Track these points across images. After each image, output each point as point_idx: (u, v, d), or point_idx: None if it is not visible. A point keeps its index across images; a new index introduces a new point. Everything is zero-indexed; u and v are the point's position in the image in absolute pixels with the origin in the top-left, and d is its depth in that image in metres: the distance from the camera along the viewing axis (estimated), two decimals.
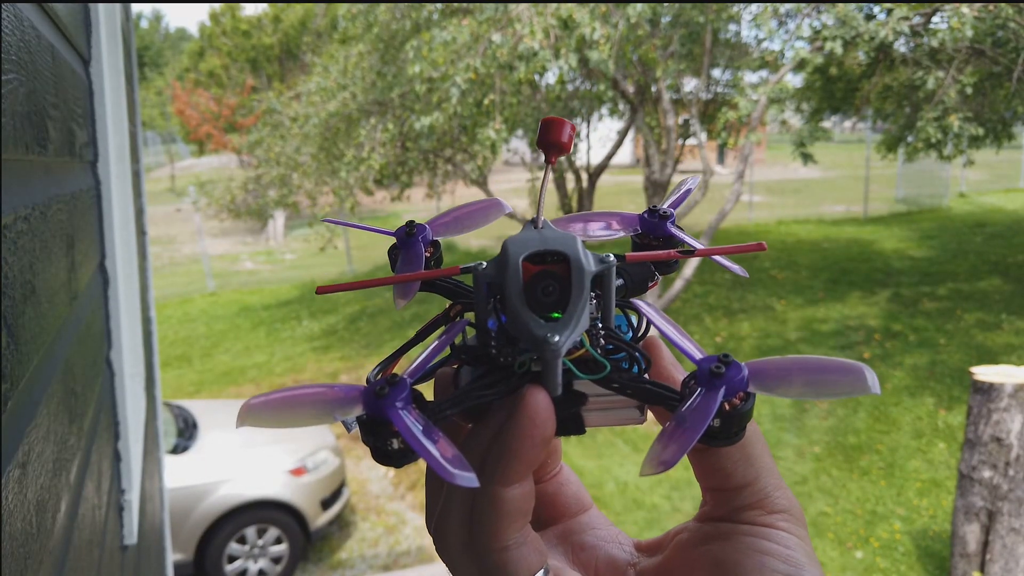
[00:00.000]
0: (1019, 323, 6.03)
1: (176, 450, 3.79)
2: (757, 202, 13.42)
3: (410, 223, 0.34)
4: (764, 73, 6.32)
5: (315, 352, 6.91)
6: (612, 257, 0.29)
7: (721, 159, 17.85)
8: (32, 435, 0.49)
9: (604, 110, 8.38)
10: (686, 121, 6.97)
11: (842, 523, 3.91)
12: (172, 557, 2.96)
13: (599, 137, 9.20)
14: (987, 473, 2.97)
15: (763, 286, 7.70)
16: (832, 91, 7.11)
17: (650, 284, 0.33)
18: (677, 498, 4.22)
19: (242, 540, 3.79)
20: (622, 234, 0.36)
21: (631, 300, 0.33)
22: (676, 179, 10.13)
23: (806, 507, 4.06)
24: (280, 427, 0.27)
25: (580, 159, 9.06)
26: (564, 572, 0.31)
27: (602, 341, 0.30)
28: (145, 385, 1.74)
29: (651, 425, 4.92)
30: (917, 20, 5.09)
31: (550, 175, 0.31)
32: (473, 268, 0.29)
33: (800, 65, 5.45)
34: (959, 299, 6.72)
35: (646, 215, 0.35)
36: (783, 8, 5.63)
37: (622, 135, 8.40)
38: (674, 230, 0.34)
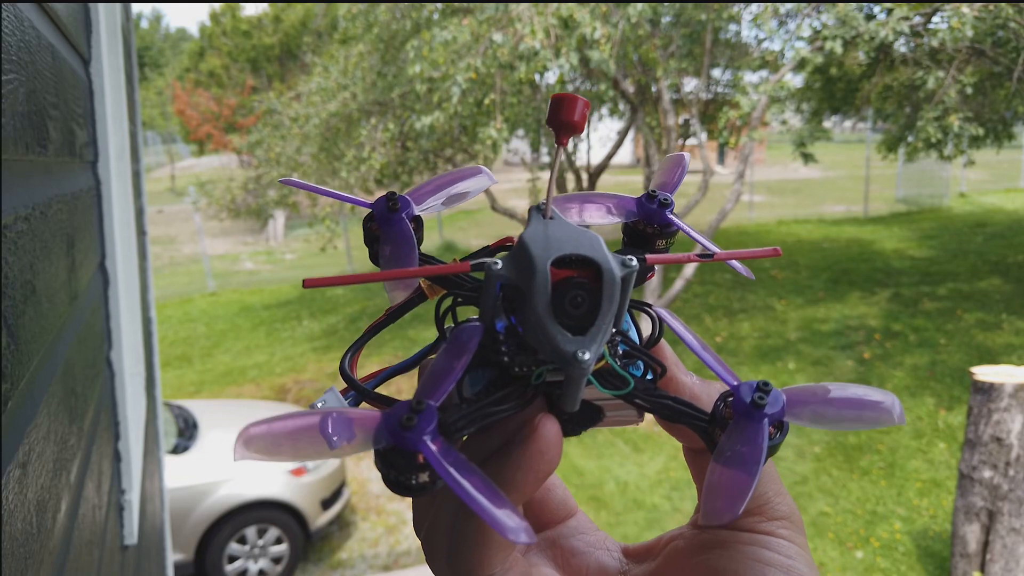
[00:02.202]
0: (1019, 323, 6.03)
1: (176, 450, 3.79)
2: (757, 202, 13.41)
3: (391, 194, 0.30)
4: (764, 73, 6.32)
5: (315, 352, 6.91)
6: (635, 261, 0.26)
7: (721, 159, 17.85)
8: (32, 435, 0.49)
9: (604, 110, 8.38)
10: (686, 121, 6.97)
11: (842, 523, 3.91)
12: (172, 557, 2.96)
13: (599, 137, 9.21)
14: (987, 473, 2.97)
15: (763, 286, 7.69)
16: (832, 91, 7.11)
17: (648, 276, 0.31)
18: (677, 498, 4.22)
19: (242, 540, 3.79)
20: (619, 220, 0.33)
21: (654, 309, 0.31)
22: None
23: (806, 507, 4.06)
24: (283, 460, 0.24)
25: (580, 159, 9.06)
26: None
27: (620, 351, 0.28)
28: (145, 385, 1.74)
29: (651, 425, 4.90)
30: (917, 20, 5.09)
31: (561, 158, 0.29)
32: (485, 266, 0.27)
33: (800, 65, 5.45)
34: (959, 299, 6.72)
35: (644, 200, 0.32)
36: (783, 8, 5.63)
37: (622, 135, 8.41)
38: (673, 218, 0.32)
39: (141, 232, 2.13)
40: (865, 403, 0.28)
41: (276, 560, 3.87)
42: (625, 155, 18.70)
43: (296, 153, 6.91)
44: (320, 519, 3.96)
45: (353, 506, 4.53)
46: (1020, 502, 2.92)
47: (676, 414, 0.28)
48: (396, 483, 0.24)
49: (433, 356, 0.29)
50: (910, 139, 6.47)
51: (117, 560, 0.99)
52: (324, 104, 6.64)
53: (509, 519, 0.23)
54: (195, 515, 3.66)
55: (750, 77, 6.42)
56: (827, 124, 8.57)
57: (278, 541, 3.86)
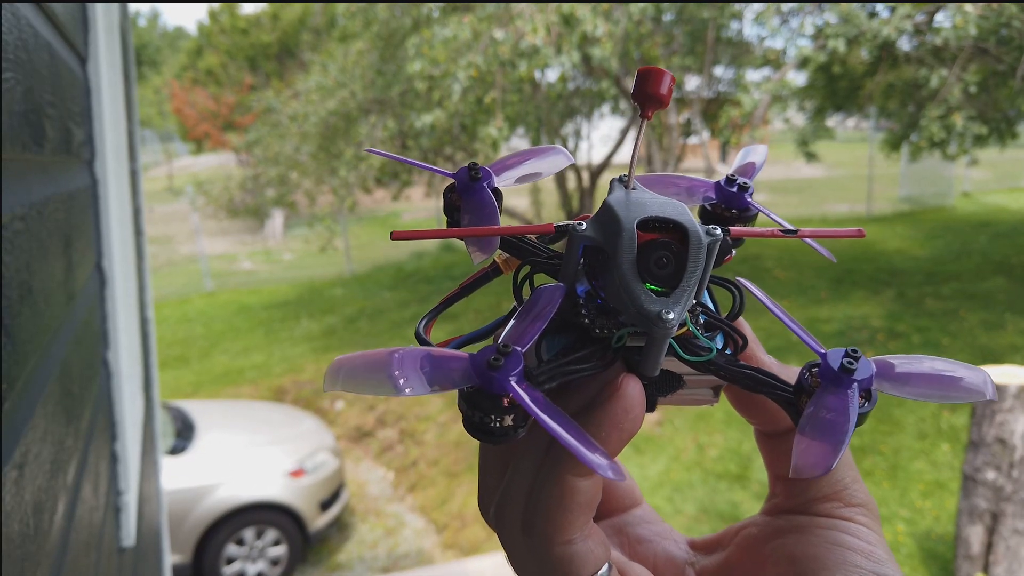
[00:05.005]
0: (1023, 323, 6.02)
1: (174, 451, 3.78)
2: (760, 200, 13.39)
3: (473, 165, 0.31)
4: (767, 71, 6.32)
5: (314, 352, 6.90)
6: (719, 231, 0.27)
7: (723, 157, 17.85)
8: (29, 436, 0.48)
9: (606, 108, 8.38)
10: (688, 119, 6.97)
11: None
12: (170, 559, 2.95)
13: (601, 135, 9.21)
14: (991, 475, 2.96)
15: (765, 286, 7.68)
16: (835, 89, 7.11)
17: (726, 258, 0.31)
18: (679, 500, 4.21)
19: (240, 542, 3.78)
20: (696, 203, 0.33)
21: (738, 280, 0.31)
22: None
23: None
24: (367, 393, 0.24)
25: (581, 158, 9.06)
26: (627, 566, 0.30)
27: (702, 320, 0.28)
28: (143, 386, 1.73)
29: (653, 426, 4.90)
30: (921, 18, 5.09)
31: (644, 131, 0.29)
32: (570, 227, 0.27)
33: (803, 63, 5.45)
34: (963, 299, 6.71)
35: (723, 184, 0.33)
36: (786, 6, 5.62)
37: (624, 133, 8.40)
38: (752, 202, 0.32)
39: (138, 232, 2.12)
40: (953, 380, 0.28)
41: (274, 562, 3.86)
42: (627, 154, 18.70)
43: (294, 152, 6.91)
44: (318, 521, 3.95)
45: (352, 508, 4.53)
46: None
47: (758, 384, 0.28)
48: (479, 426, 0.24)
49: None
50: (913, 138, 6.47)
51: (114, 562, 0.98)
52: (323, 102, 6.64)
53: (598, 457, 0.22)
54: (193, 517, 3.65)
55: (752, 75, 6.42)
56: (830, 122, 8.57)
57: (276, 543, 3.86)
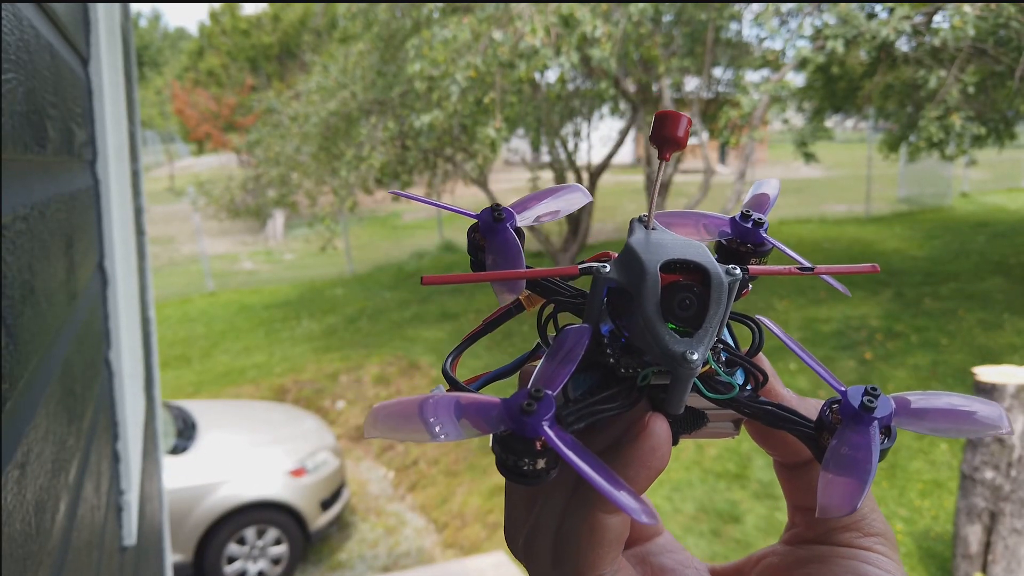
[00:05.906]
0: (1021, 323, 6.02)
1: (175, 451, 3.78)
2: None
3: (496, 206, 0.32)
4: (766, 72, 6.32)
5: (315, 352, 6.91)
6: (738, 270, 0.28)
7: (723, 158, 17.85)
8: (31, 435, 0.49)
9: (605, 109, 8.38)
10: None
11: None
12: (171, 558, 2.95)
13: (600, 136, 9.21)
14: (989, 474, 2.97)
15: (765, 286, 7.69)
16: (834, 90, 7.12)
17: (743, 292, 0.32)
18: (678, 499, 4.22)
19: (241, 541, 3.78)
20: (711, 238, 0.34)
21: (757, 317, 0.32)
22: (678, 179, 10.11)
23: None
24: (406, 440, 0.25)
25: (581, 159, 9.06)
26: None
27: (723, 358, 0.29)
28: (144, 385, 1.74)
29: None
30: (919, 19, 5.09)
31: (663, 173, 0.30)
32: (594, 269, 0.28)
33: (802, 64, 5.45)
34: (961, 299, 6.71)
35: (738, 219, 0.33)
36: (785, 7, 5.63)
37: (623, 134, 8.41)
38: (767, 237, 0.33)
39: (140, 232, 2.13)
40: (968, 414, 0.29)
41: (275, 561, 3.86)
42: (626, 155, 18.69)
43: (295, 152, 6.91)
44: (319, 520, 3.96)
45: (353, 507, 4.53)
46: (1022, 503, 2.92)
47: (779, 420, 0.29)
48: (512, 469, 0.25)
49: (534, 363, 0.30)
50: (912, 138, 6.47)
51: (116, 561, 0.99)
52: (323, 103, 6.64)
53: (630, 500, 0.23)
54: (194, 516, 3.66)
55: (751, 76, 6.42)
56: (829, 123, 8.57)
57: (277, 542, 3.86)
